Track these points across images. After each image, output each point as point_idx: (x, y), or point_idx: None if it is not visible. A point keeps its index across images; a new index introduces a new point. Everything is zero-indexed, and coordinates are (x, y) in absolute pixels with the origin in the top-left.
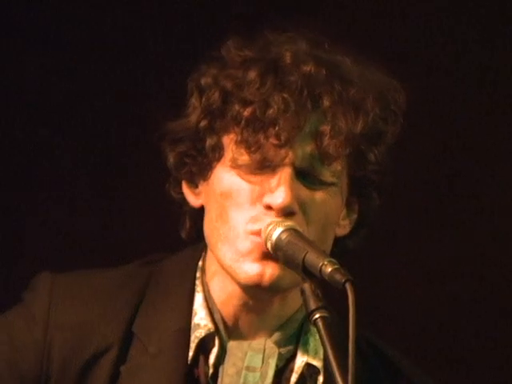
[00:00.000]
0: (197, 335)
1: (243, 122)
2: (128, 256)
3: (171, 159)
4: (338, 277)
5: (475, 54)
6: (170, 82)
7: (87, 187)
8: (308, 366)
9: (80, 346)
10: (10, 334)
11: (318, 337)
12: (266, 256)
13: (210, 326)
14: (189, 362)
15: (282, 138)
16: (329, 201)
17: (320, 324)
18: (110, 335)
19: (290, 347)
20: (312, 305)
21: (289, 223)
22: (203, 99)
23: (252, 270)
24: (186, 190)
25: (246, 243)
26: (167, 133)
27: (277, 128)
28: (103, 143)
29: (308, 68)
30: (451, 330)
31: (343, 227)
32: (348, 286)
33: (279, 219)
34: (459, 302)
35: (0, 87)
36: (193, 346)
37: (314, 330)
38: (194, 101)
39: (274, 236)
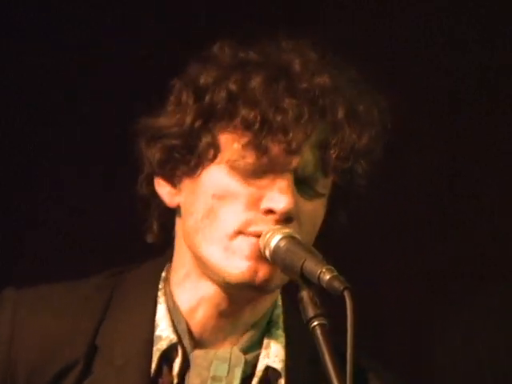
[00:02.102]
0: (159, 347)
1: (256, 125)
2: (128, 256)
3: (156, 155)
4: (336, 284)
5: (475, 54)
6: (170, 84)
7: (87, 187)
8: (269, 369)
9: (46, 363)
10: None
11: (280, 340)
12: (259, 256)
13: (172, 336)
14: (152, 374)
15: (293, 145)
16: (318, 211)
17: (318, 331)
18: (75, 350)
19: (255, 353)
20: (310, 312)
21: (287, 230)
22: (206, 99)
23: (244, 266)
24: (161, 188)
25: (236, 242)
26: (148, 128)
27: (290, 135)
28: (104, 142)
29: (322, 79)
30: (452, 330)
31: None
32: (346, 294)
33: (277, 226)
34: (459, 302)
35: (0, 87)
36: (155, 358)
37: (276, 333)
38: (185, 98)
39: (273, 243)
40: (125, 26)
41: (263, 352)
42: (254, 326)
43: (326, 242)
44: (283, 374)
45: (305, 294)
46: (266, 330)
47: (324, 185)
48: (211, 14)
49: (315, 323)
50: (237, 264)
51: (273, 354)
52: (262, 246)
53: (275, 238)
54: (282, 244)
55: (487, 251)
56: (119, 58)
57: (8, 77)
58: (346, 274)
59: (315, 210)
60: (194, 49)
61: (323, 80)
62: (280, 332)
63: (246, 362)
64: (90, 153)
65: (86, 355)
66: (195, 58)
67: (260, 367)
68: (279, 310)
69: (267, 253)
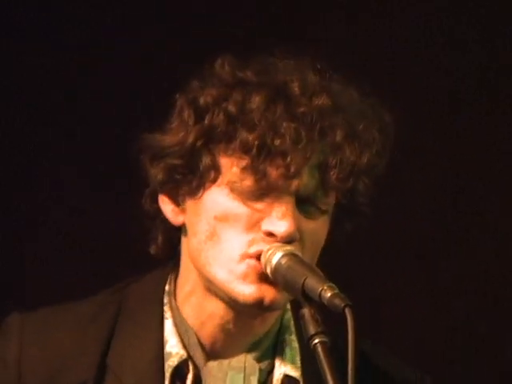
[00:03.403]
0: (170, 364)
1: (254, 150)
2: (128, 256)
3: (159, 174)
4: (337, 302)
5: (475, 54)
6: (172, 82)
7: (87, 187)
8: (287, 377)
9: None
10: None
11: (294, 345)
12: (262, 278)
13: (182, 352)
14: None
15: (292, 169)
16: (321, 229)
17: (319, 349)
18: (83, 371)
19: (268, 360)
20: (311, 330)
21: (288, 248)
22: (205, 119)
23: (250, 291)
24: (165, 205)
25: (241, 266)
26: (151, 145)
27: (288, 159)
28: (104, 142)
29: (320, 101)
30: (456, 347)
31: None
32: (347, 311)
33: (279, 244)
34: (463, 318)
35: (0, 87)
36: (167, 375)
37: (289, 339)
38: (186, 117)
39: (274, 260)
40: (125, 26)
41: (278, 359)
42: (265, 334)
43: (329, 259)
44: (301, 381)
45: (306, 312)
46: (278, 336)
47: (326, 202)
48: (211, 14)
49: (316, 341)
50: (242, 288)
51: (289, 361)
52: (263, 263)
53: (276, 256)
54: (284, 261)
55: (490, 268)
56: (119, 58)
57: (8, 77)
58: (348, 291)
59: (318, 228)
60: (194, 49)
61: (322, 101)
62: (293, 337)
63: (260, 371)
64: (89, 153)
65: (95, 375)
66: (197, 73)
67: (277, 376)
68: (289, 314)
69: (268, 270)
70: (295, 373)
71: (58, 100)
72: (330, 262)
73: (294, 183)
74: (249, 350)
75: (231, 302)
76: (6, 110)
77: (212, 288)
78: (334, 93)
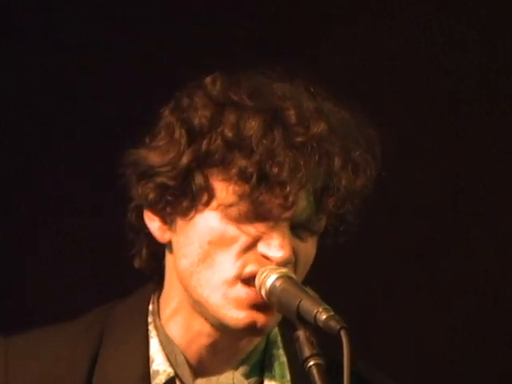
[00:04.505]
0: (157, 382)
1: (254, 178)
2: (128, 257)
3: (149, 193)
4: (332, 324)
5: (475, 54)
6: (172, 82)
7: (87, 187)
8: None
9: None
10: None
11: (282, 360)
12: (257, 307)
13: (170, 370)
14: None
15: (290, 199)
16: (312, 249)
17: (314, 371)
18: None
19: (257, 376)
20: (306, 352)
21: (283, 270)
22: (202, 144)
23: (242, 316)
24: (152, 222)
25: (234, 290)
26: (138, 162)
27: (287, 189)
28: (104, 142)
29: (317, 129)
30: (456, 347)
31: None
32: (343, 334)
33: (273, 266)
34: (463, 318)
35: (0, 87)
36: None
37: (277, 354)
38: (177, 137)
39: (269, 283)
40: (125, 26)
41: (267, 375)
42: (252, 351)
43: (329, 259)
44: None
45: (301, 334)
46: (265, 352)
47: (319, 225)
48: (211, 14)
49: (311, 363)
50: (235, 314)
51: (278, 376)
52: (257, 285)
53: (271, 278)
54: (278, 284)
55: (490, 268)
56: (119, 58)
57: (8, 77)
58: (348, 292)
59: (309, 249)
60: (194, 49)
61: (319, 129)
62: (280, 352)
63: None
64: (89, 153)
65: None
66: (183, 87)
67: None
68: (275, 330)
69: (263, 292)
70: None
71: (58, 100)
72: (330, 262)
73: (290, 211)
74: (236, 367)
75: (220, 326)
76: (6, 110)
77: (200, 310)
78: (329, 118)
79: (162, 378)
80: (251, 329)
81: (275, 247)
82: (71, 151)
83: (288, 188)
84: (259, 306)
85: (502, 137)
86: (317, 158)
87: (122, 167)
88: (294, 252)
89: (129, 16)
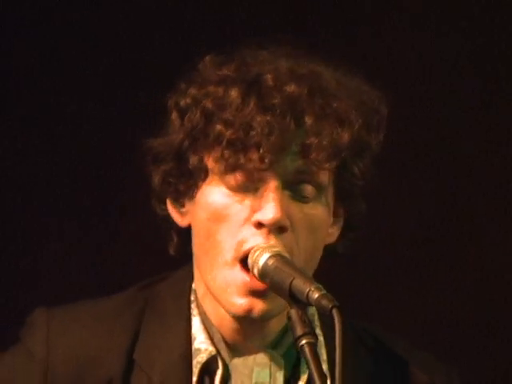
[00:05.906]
0: (199, 360)
1: (225, 142)
2: (131, 255)
3: (155, 178)
4: (324, 303)
5: (475, 53)
6: (171, 82)
7: (87, 187)
8: None
9: (82, 381)
10: (11, 374)
11: (319, 339)
12: (253, 293)
13: (211, 349)
14: None
15: (266, 161)
16: (317, 214)
17: (306, 350)
18: (111, 366)
19: (293, 356)
20: (299, 331)
21: (276, 249)
22: (185, 120)
23: (240, 303)
24: (171, 209)
25: (233, 274)
26: (149, 151)
27: (261, 151)
28: (104, 143)
29: (290, 89)
30: (456, 347)
31: (331, 235)
32: (335, 312)
33: (266, 244)
34: (463, 318)
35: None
36: (196, 370)
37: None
38: (174, 120)
39: (261, 262)
40: (125, 26)
41: None
42: (287, 328)
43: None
44: (329, 374)
45: (293, 313)
46: None
47: (318, 181)
48: (211, 14)
49: (303, 342)
50: (233, 300)
51: None
52: (250, 264)
53: (263, 257)
54: (271, 262)
55: (490, 268)
56: (119, 58)
57: (8, 77)
58: (350, 288)
59: (312, 213)
60: (194, 49)
61: (293, 89)
62: (318, 331)
63: (285, 367)
64: (89, 153)
65: (123, 372)
66: (183, 74)
67: (305, 371)
68: (313, 309)
69: (256, 271)
70: (324, 366)
71: (58, 100)
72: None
73: (274, 174)
74: (273, 347)
75: (226, 311)
76: (6, 110)
77: (213, 295)
78: (306, 77)
79: (204, 356)
80: (249, 314)
81: (265, 210)
82: (71, 151)
83: (263, 148)
84: (256, 291)
85: (502, 137)
86: (292, 117)
87: (141, 159)
88: (291, 216)
89: (129, 16)
